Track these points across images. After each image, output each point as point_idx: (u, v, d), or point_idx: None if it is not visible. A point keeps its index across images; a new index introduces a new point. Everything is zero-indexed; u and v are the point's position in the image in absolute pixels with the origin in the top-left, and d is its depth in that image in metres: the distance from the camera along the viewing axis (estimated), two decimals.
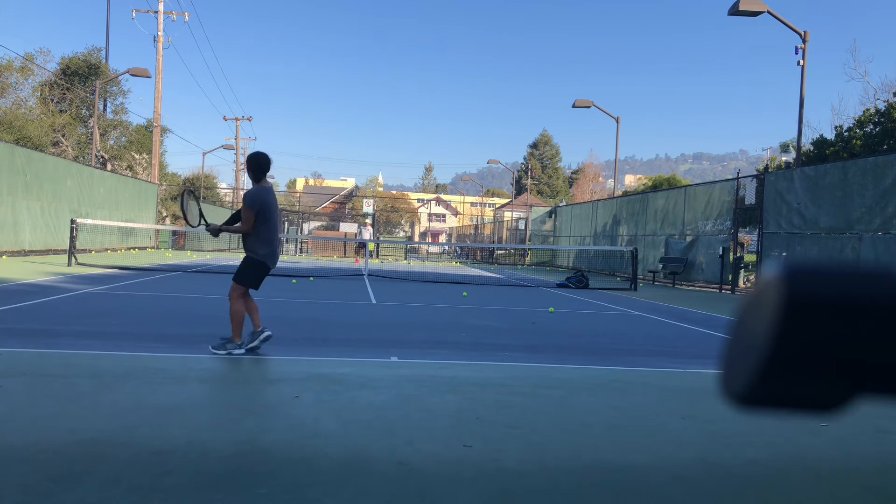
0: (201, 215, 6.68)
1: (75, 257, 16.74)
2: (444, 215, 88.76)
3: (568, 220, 32.83)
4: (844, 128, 24.45)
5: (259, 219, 5.97)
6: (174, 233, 36.03)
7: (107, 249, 26.37)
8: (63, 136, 32.23)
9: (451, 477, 3.13)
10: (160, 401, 4.25)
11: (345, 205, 71.13)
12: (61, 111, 33.21)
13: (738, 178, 18.78)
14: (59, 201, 22.06)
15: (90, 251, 24.10)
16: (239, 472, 3.06)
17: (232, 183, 60.80)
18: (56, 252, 21.29)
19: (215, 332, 6.69)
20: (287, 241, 37.26)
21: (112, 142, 36.41)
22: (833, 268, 0.44)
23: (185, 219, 6.60)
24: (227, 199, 52.25)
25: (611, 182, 57.41)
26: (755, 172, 24.09)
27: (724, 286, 18.43)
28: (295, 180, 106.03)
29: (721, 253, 18.60)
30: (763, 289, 0.44)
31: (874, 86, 35.10)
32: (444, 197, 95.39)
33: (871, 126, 23.52)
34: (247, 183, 48.66)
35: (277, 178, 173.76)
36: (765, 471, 3.46)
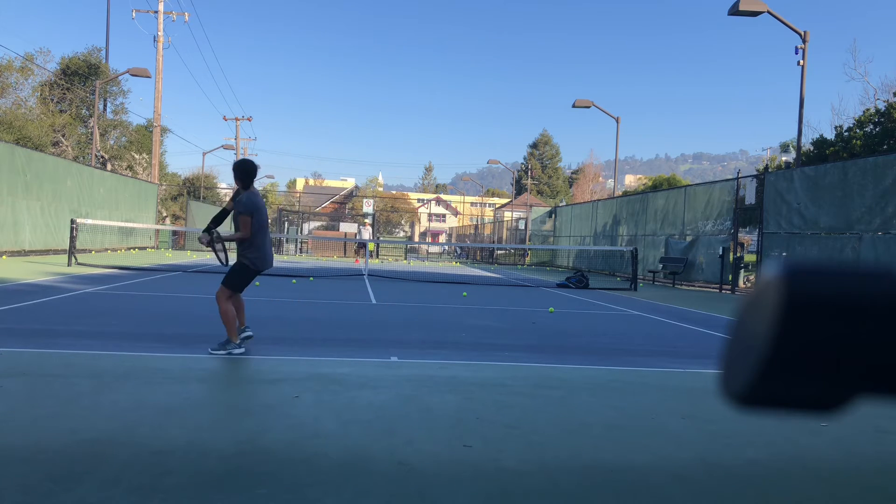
0: (223, 247, 6.57)
1: (75, 257, 16.74)
2: (444, 215, 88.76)
3: (568, 220, 32.83)
4: (844, 128, 24.45)
5: (253, 224, 6.07)
6: (174, 233, 36.04)
7: (107, 249, 26.37)
8: (63, 136, 32.23)
9: (451, 477, 3.13)
10: (160, 401, 4.25)
11: (345, 205, 71.12)
12: (61, 111, 33.21)
13: (738, 178, 18.78)
14: (59, 201, 22.06)
15: (90, 251, 24.11)
16: (239, 472, 3.06)
17: (232, 183, 60.71)
18: (56, 252, 21.29)
19: (215, 332, 6.69)
20: (287, 241, 37.25)
21: (112, 142, 36.42)
22: (833, 268, 0.43)
23: (218, 256, 6.54)
24: (228, 198, 52.21)
25: (611, 182, 57.43)
26: (755, 172, 24.09)
27: (724, 286, 18.43)
28: (295, 180, 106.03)
29: (721, 253, 18.60)
30: (763, 289, 0.44)
31: (874, 86, 35.12)
32: (444, 197, 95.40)
33: (871, 126, 23.52)
34: None
35: (277, 177, 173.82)
36: (765, 471, 3.46)
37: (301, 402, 4.41)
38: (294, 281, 15.22)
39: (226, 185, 49.85)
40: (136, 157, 36.72)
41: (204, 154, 45.69)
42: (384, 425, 3.93)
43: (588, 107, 28.36)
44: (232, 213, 6.31)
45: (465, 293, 14.32)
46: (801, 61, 17.13)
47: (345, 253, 36.12)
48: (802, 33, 17.16)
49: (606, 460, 3.52)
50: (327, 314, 9.54)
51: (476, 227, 56.66)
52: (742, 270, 19.02)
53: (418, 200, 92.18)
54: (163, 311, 8.94)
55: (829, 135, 25.36)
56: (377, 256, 36.35)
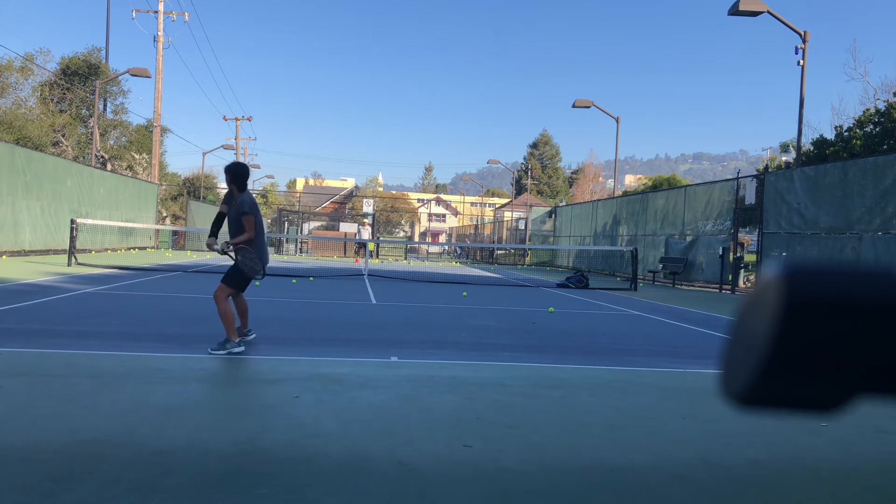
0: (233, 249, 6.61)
1: (75, 257, 16.74)
2: (444, 215, 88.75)
3: (568, 220, 32.83)
4: (844, 128, 24.45)
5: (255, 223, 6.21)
6: (174, 233, 36.04)
7: (107, 249, 26.37)
8: (63, 136, 32.23)
9: (451, 477, 3.13)
10: (160, 401, 4.25)
11: (345, 205, 71.12)
12: (61, 111, 33.21)
13: (738, 178, 18.78)
14: (59, 201, 22.06)
15: (90, 251, 24.11)
16: (239, 472, 3.06)
17: None
18: (56, 252, 21.29)
19: (215, 332, 6.69)
20: (287, 241, 37.25)
21: (112, 142, 36.41)
22: (833, 268, 0.43)
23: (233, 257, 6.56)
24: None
25: (611, 182, 57.43)
26: (755, 172, 24.09)
27: (724, 286, 18.43)
28: (295, 180, 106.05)
29: (721, 253, 18.60)
30: (763, 289, 0.44)
31: (874, 86, 35.10)
32: (444, 197, 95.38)
33: (871, 126, 23.52)
34: None
35: (277, 178, 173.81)
36: (765, 471, 3.46)
37: (301, 402, 4.41)
38: (294, 281, 15.22)
39: (226, 186, 49.83)
40: (136, 157, 36.72)
41: (204, 154, 45.69)
42: (384, 425, 3.93)
43: (588, 107, 28.36)
44: (228, 215, 6.36)
45: (465, 293, 14.31)
46: (801, 61, 17.13)
47: (345, 253, 36.12)
48: (802, 33, 17.16)
49: (606, 460, 3.52)
50: (327, 314, 9.54)
51: (476, 227, 56.66)
52: (742, 270, 19.02)
53: (418, 200, 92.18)
54: (163, 311, 8.94)
55: (829, 135, 25.38)
56: (377, 256, 36.35)
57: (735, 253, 18.36)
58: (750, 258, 23.26)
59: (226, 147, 47.52)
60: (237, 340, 6.03)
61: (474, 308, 11.30)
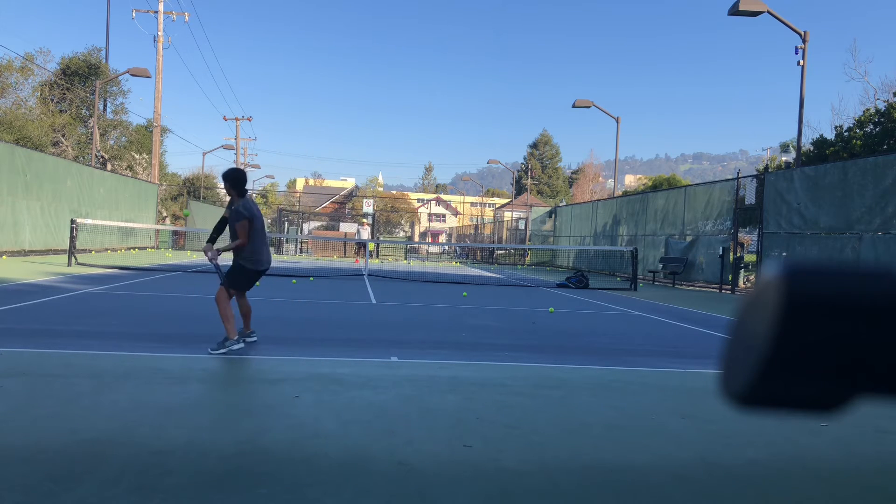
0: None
1: (75, 257, 16.74)
2: (444, 215, 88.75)
3: (568, 220, 32.83)
4: (844, 128, 24.45)
5: (251, 229, 6.21)
6: (174, 233, 36.04)
7: (107, 249, 26.37)
8: (63, 136, 32.23)
9: (451, 477, 3.13)
10: (160, 401, 4.25)
11: (345, 205, 71.12)
12: (61, 111, 33.21)
13: (738, 178, 18.78)
14: (59, 201, 22.06)
15: (90, 251, 24.11)
16: (239, 472, 3.06)
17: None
18: (56, 252, 21.29)
19: (215, 332, 6.69)
20: (287, 241, 37.25)
21: (112, 142, 36.41)
22: (833, 268, 0.43)
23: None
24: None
25: (611, 182, 57.42)
26: (755, 172, 24.09)
27: (724, 286, 18.43)
28: (295, 180, 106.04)
29: (721, 253, 18.60)
30: (763, 289, 0.44)
31: (874, 86, 35.09)
32: (444, 197, 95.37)
33: (871, 126, 23.52)
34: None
35: (277, 178, 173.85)
36: (765, 471, 3.46)
37: (301, 402, 4.40)
38: (294, 281, 15.22)
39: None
40: (136, 157, 36.72)
41: (204, 154, 45.69)
42: (384, 425, 3.93)
43: (588, 107, 28.36)
44: (229, 220, 6.37)
45: (465, 293, 14.31)
46: (801, 61, 17.13)
47: (345, 253, 36.12)
48: (802, 33, 17.16)
49: (606, 460, 3.52)
50: (327, 314, 9.54)
51: (476, 227, 56.66)
52: (742, 270, 19.02)
53: (418, 200, 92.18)
54: (163, 311, 8.94)
55: (829, 135, 25.37)
56: (377, 256, 36.35)
57: (735, 253, 18.36)
58: (750, 258, 23.26)
59: (226, 147, 47.51)
60: (236, 338, 6.05)
61: (474, 308, 11.30)
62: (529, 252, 36.63)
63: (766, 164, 39.51)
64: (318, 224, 54.20)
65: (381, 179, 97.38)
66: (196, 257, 26.08)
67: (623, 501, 2.95)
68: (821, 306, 0.42)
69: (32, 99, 31.88)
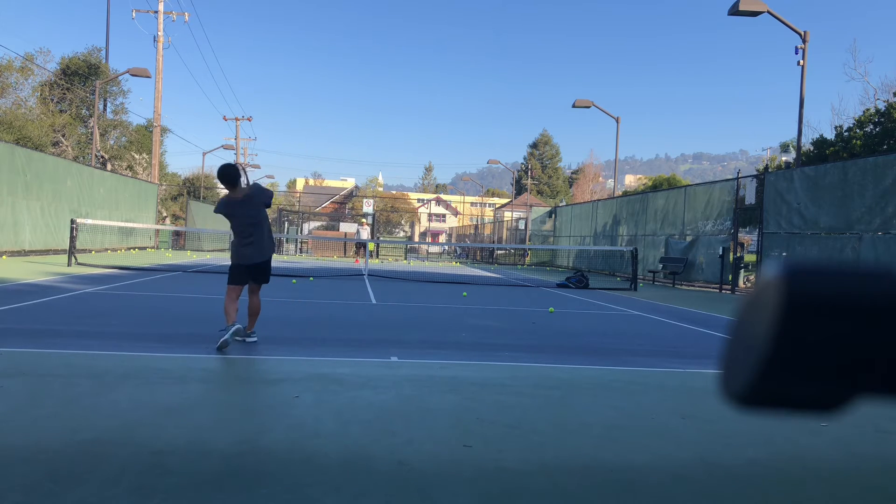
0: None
1: (75, 257, 16.73)
2: (444, 215, 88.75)
3: (568, 220, 32.83)
4: (844, 128, 24.45)
5: (232, 224, 6.44)
6: (174, 233, 36.04)
7: (107, 249, 26.37)
8: (63, 136, 32.23)
9: (451, 477, 3.13)
10: (160, 401, 4.25)
11: (345, 205, 71.11)
12: (61, 111, 33.21)
13: (738, 178, 18.78)
14: (59, 201, 22.06)
15: (90, 251, 24.10)
16: (239, 472, 3.06)
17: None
18: (56, 252, 21.28)
19: (215, 332, 6.69)
20: (287, 241, 37.24)
21: (112, 142, 36.42)
22: (833, 268, 0.43)
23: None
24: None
25: (611, 182, 57.42)
26: (755, 172, 24.09)
27: (724, 286, 18.43)
28: (295, 180, 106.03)
29: (721, 253, 18.60)
30: (763, 289, 0.44)
31: (874, 86, 35.09)
32: (444, 197, 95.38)
33: (871, 126, 23.52)
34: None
35: (277, 177, 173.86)
36: (765, 471, 3.46)
37: (301, 402, 4.40)
38: (294, 281, 15.22)
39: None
40: (136, 157, 36.73)
41: (204, 154, 45.68)
42: (384, 425, 3.93)
43: (588, 107, 28.35)
44: (242, 217, 6.39)
45: (465, 293, 14.31)
46: (801, 61, 17.13)
47: (345, 253, 36.12)
48: (802, 33, 17.15)
49: (606, 460, 3.52)
50: (327, 314, 9.54)
51: (476, 227, 56.65)
52: (742, 270, 19.01)
53: (418, 200, 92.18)
54: (163, 311, 8.94)
55: (829, 135, 25.39)
56: (377, 256, 36.35)
57: (735, 253, 18.36)
58: (750, 258, 23.26)
59: (226, 147, 47.51)
60: (230, 324, 6.12)
61: (474, 308, 11.30)
62: (529, 252, 36.63)
63: (766, 164, 39.51)
64: (318, 224, 54.18)
65: (381, 179, 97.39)
66: (196, 257, 26.08)
67: (623, 501, 2.95)
68: (821, 306, 0.42)
69: (32, 99, 31.88)
